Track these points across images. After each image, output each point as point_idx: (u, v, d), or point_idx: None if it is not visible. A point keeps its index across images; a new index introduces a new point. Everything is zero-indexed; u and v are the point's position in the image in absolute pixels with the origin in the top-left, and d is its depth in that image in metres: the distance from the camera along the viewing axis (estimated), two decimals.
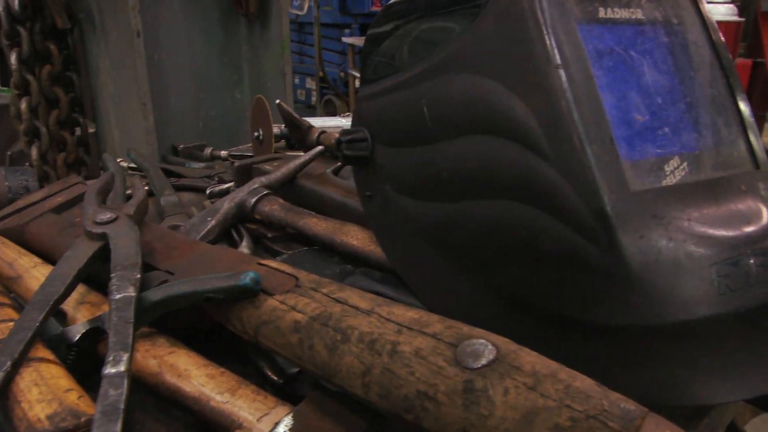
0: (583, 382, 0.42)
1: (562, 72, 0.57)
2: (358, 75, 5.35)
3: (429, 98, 0.69)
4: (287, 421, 0.52)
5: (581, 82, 0.58)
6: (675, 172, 0.61)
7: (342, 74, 6.22)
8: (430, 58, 0.70)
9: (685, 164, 0.62)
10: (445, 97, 0.67)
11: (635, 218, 0.55)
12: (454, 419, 0.42)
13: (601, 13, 0.63)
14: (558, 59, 0.57)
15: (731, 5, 4.14)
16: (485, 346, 0.45)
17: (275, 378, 0.63)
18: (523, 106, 0.58)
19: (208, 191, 1.19)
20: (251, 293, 0.58)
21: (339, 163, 1.11)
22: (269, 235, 0.96)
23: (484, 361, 0.44)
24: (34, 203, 0.97)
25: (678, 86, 0.65)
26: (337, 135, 1.02)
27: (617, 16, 0.64)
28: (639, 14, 0.65)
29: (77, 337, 0.63)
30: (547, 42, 0.58)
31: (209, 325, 0.66)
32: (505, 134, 0.60)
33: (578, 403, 0.40)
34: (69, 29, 1.77)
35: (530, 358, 0.44)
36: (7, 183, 1.03)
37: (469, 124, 0.64)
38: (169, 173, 1.35)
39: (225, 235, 0.96)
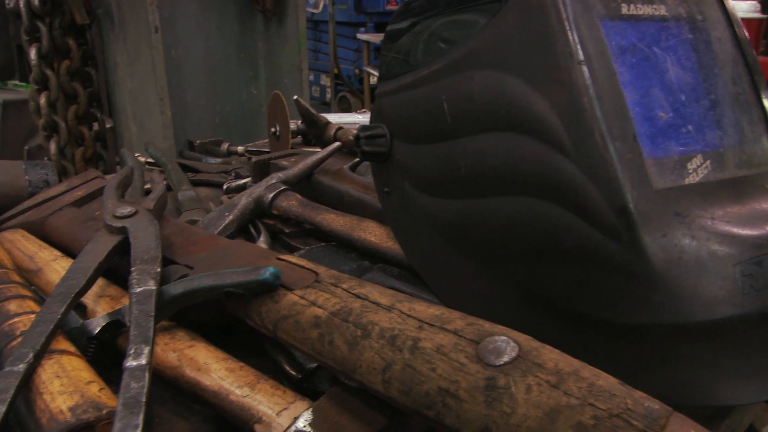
0: (606, 380, 0.42)
1: (584, 68, 0.56)
2: (373, 72, 5.34)
3: (449, 95, 0.68)
4: (307, 416, 0.52)
5: (604, 79, 0.57)
6: (698, 170, 0.60)
7: (356, 71, 6.22)
8: (451, 54, 0.69)
9: (708, 162, 0.61)
10: (465, 94, 0.66)
11: (658, 216, 0.55)
12: (476, 416, 0.42)
13: (624, 9, 0.62)
14: (581, 55, 0.57)
15: (754, 2, 4.09)
16: (507, 343, 0.45)
17: (293, 373, 0.63)
18: (545, 103, 0.58)
19: (225, 186, 1.19)
20: (271, 288, 0.58)
21: (356, 159, 1.11)
22: (286, 230, 0.96)
23: (506, 359, 0.43)
24: (53, 197, 0.98)
25: (701, 83, 0.64)
26: (354, 131, 1.02)
27: (640, 12, 0.63)
28: (662, 10, 0.65)
29: (97, 330, 0.63)
30: (570, 38, 0.57)
31: (227, 320, 0.67)
32: (526, 131, 0.59)
33: (602, 402, 0.40)
34: (87, 25, 1.78)
35: (553, 356, 0.43)
36: (27, 177, 1.04)
37: (490, 121, 0.63)
38: (185, 168, 1.35)
39: (242, 230, 0.97)
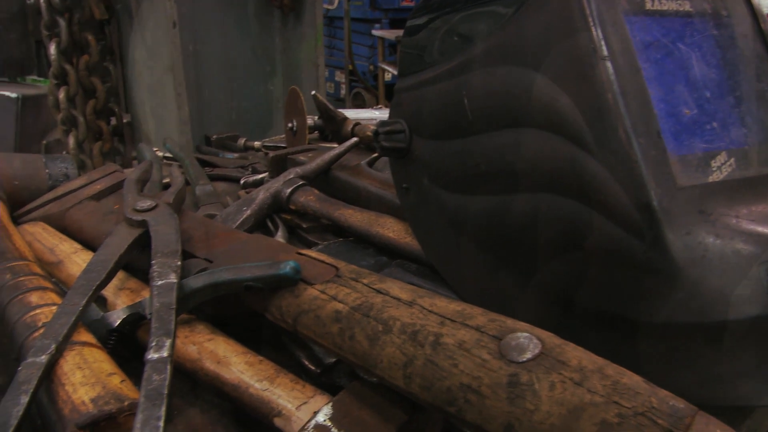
0: (630, 378, 0.41)
1: (608, 64, 0.56)
2: (387, 68, 5.34)
3: (469, 90, 0.68)
4: (327, 411, 0.52)
5: (628, 75, 0.56)
6: (722, 168, 0.60)
7: (371, 68, 6.21)
8: (471, 50, 0.69)
9: (732, 160, 0.60)
10: (486, 89, 0.66)
11: (682, 214, 0.54)
12: (499, 413, 0.42)
13: (649, 5, 0.61)
14: (605, 51, 0.56)
15: None
16: (530, 339, 0.44)
17: (312, 367, 0.63)
18: (569, 99, 0.57)
19: (242, 181, 1.19)
20: (291, 282, 0.58)
21: (374, 155, 1.10)
22: (304, 225, 0.96)
23: (529, 355, 0.43)
24: (73, 190, 0.98)
25: (726, 80, 0.64)
26: (371, 127, 1.02)
27: (665, 8, 0.62)
28: (687, 6, 0.64)
29: (118, 323, 0.63)
30: (594, 33, 0.57)
31: (244, 313, 0.67)
32: (548, 127, 0.59)
33: (626, 400, 0.40)
34: (106, 20, 1.79)
35: (576, 353, 0.43)
36: (47, 170, 1.04)
37: (511, 117, 0.63)
38: (203, 163, 1.36)
39: (260, 225, 0.97)
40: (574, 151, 0.57)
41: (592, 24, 0.57)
